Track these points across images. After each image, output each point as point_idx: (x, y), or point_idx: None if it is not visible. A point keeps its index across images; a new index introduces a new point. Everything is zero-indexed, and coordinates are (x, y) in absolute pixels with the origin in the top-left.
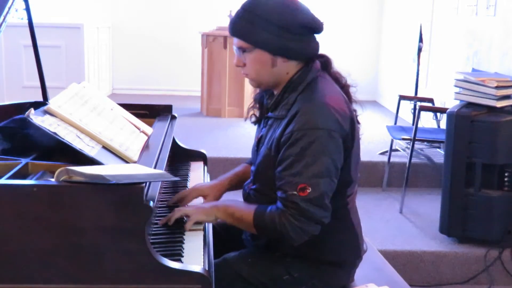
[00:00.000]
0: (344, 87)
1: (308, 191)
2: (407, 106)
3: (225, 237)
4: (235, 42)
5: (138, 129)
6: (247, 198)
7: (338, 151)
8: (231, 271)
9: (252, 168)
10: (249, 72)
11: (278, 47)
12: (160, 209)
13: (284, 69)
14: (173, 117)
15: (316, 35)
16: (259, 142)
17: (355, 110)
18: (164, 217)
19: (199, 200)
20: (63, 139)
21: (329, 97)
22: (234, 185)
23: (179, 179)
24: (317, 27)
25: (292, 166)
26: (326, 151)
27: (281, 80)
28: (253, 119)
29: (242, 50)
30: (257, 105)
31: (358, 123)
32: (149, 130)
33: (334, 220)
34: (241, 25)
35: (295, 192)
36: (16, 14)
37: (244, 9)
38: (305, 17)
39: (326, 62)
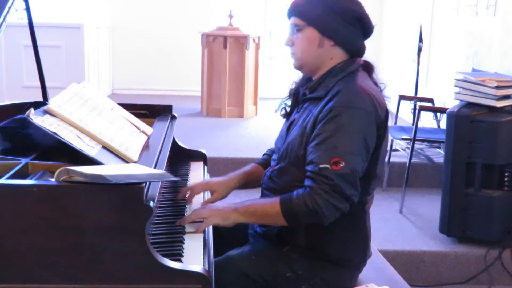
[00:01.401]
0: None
1: (341, 165)
2: (407, 106)
3: (227, 234)
4: (291, 21)
5: (138, 129)
6: (266, 182)
7: (372, 134)
8: (234, 269)
9: (274, 156)
10: (296, 50)
11: (328, 28)
12: (160, 209)
13: (329, 53)
14: (173, 117)
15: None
16: (289, 126)
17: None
18: (181, 219)
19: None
20: (63, 139)
21: (369, 86)
22: (242, 183)
23: (179, 179)
24: (367, 26)
25: (328, 140)
26: (362, 131)
27: (324, 64)
28: (283, 112)
29: (295, 27)
30: (290, 100)
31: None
32: (149, 130)
33: (350, 216)
34: (300, 4)
35: (328, 166)
36: (16, 14)
37: None
38: (360, 11)
39: (369, 66)
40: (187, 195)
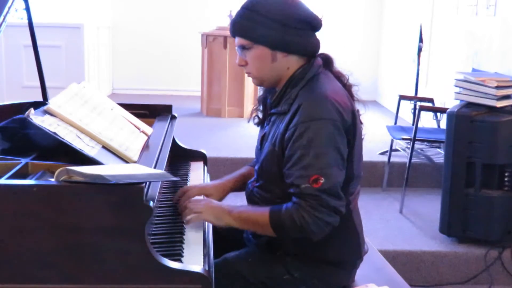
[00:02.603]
0: (346, 86)
1: (321, 181)
2: (407, 106)
3: (225, 236)
4: (236, 41)
5: (138, 129)
6: (250, 196)
7: (343, 142)
8: (231, 271)
9: (256, 167)
10: (251, 69)
11: (276, 41)
12: (160, 209)
13: (284, 64)
14: (173, 117)
15: (317, 33)
16: (262, 140)
17: (357, 110)
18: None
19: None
20: (63, 139)
21: (331, 91)
22: (238, 186)
23: (179, 179)
24: (315, 23)
25: (301, 159)
26: (333, 141)
27: (283, 76)
28: (256, 120)
29: (243, 48)
30: (261, 107)
31: (361, 123)
32: (149, 130)
33: None
34: (240, 23)
35: (308, 185)
36: (16, 14)
37: (243, 8)
38: (302, 12)
39: (327, 60)
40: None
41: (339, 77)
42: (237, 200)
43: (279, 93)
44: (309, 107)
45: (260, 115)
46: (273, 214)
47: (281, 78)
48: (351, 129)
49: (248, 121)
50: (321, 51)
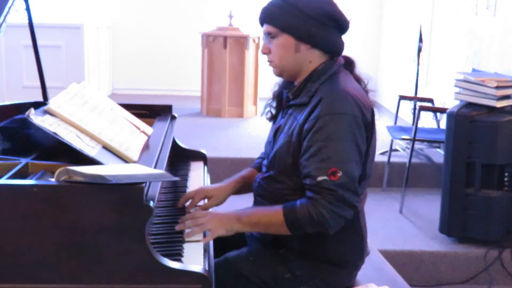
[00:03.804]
0: (364, 90)
1: (339, 175)
2: (407, 106)
3: (226, 235)
4: (264, 29)
5: (138, 129)
6: (257, 189)
7: (362, 138)
8: (232, 270)
9: (264, 161)
10: (273, 58)
11: (302, 32)
12: (160, 209)
13: (307, 57)
14: (173, 117)
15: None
16: (276, 132)
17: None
18: (180, 224)
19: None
20: (63, 139)
21: (352, 87)
22: (239, 188)
23: (179, 179)
24: (343, 23)
25: (320, 151)
26: (352, 136)
27: (304, 68)
28: (269, 115)
29: (269, 35)
30: (274, 103)
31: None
32: (149, 130)
33: None
34: (270, 10)
35: (326, 177)
36: (16, 14)
37: None
38: (334, 10)
39: (350, 62)
40: (187, 204)
41: (358, 80)
42: (237, 201)
43: (299, 85)
44: (331, 101)
45: (273, 111)
46: (287, 212)
47: (301, 70)
48: (370, 127)
49: (261, 115)
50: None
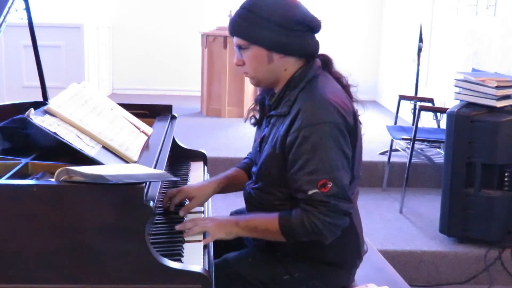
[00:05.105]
0: (345, 87)
1: (329, 185)
2: (407, 106)
3: (225, 239)
4: (234, 41)
5: (138, 129)
6: (248, 198)
7: (347, 143)
8: (231, 271)
9: (254, 169)
10: (248, 70)
11: (272, 43)
12: (160, 209)
13: (281, 66)
14: (173, 117)
15: (316, 35)
16: (261, 141)
17: (356, 110)
18: (181, 225)
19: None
20: (63, 139)
21: (331, 93)
22: (223, 187)
23: (179, 179)
24: (314, 24)
25: (307, 164)
26: (337, 144)
27: (280, 77)
28: (253, 120)
29: (240, 48)
30: (258, 107)
31: (360, 123)
32: (149, 130)
33: None
34: (238, 23)
35: (317, 190)
36: (16, 14)
37: (241, 8)
38: (301, 14)
39: (326, 61)
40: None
41: (338, 78)
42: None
43: (278, 95)
44: (310, 111)
45: (257, 115)
46: (282, 221)
47: (278, 79)
48: (353, 131)
49: (245, 121)
50: (321, 51)
